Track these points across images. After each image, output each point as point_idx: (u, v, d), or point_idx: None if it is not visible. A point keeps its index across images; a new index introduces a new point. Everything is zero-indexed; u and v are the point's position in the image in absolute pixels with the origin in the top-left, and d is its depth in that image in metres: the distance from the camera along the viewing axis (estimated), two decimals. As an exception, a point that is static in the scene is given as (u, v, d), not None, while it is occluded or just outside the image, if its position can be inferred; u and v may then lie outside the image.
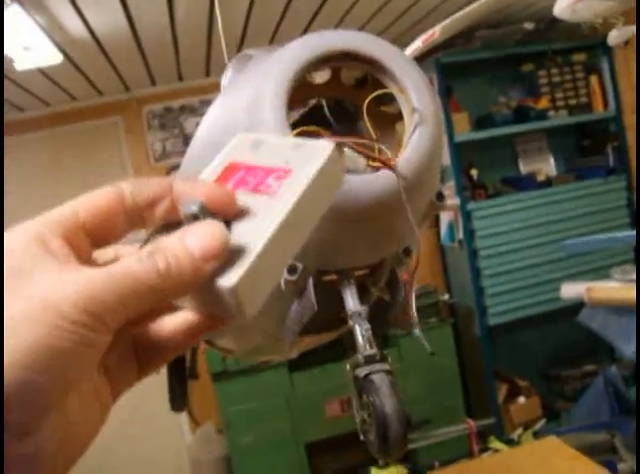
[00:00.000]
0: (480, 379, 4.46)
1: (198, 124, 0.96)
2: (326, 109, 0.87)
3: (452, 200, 4.38)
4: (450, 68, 4.22)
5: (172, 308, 0.45)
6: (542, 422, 4.28)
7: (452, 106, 4.29)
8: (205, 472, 4.46)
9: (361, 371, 0.81)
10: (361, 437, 0.85)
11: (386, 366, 0.81)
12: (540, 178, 4.51)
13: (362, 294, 0.88)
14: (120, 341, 0.42)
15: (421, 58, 3.31)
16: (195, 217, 0.43)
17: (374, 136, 0.81)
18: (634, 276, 3.74)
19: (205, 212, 0.44)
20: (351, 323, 0.84)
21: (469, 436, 3.96)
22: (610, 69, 4.56)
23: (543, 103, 4.48)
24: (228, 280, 0.42)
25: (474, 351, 4.44)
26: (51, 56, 3.12)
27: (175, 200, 0.44)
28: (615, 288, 3.59)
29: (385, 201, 0.72)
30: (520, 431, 4.16)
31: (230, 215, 0.45)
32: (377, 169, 0.75)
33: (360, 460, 4.28)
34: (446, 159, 4.22)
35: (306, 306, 0.84)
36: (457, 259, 4.54)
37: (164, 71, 4.22)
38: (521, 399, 4.42)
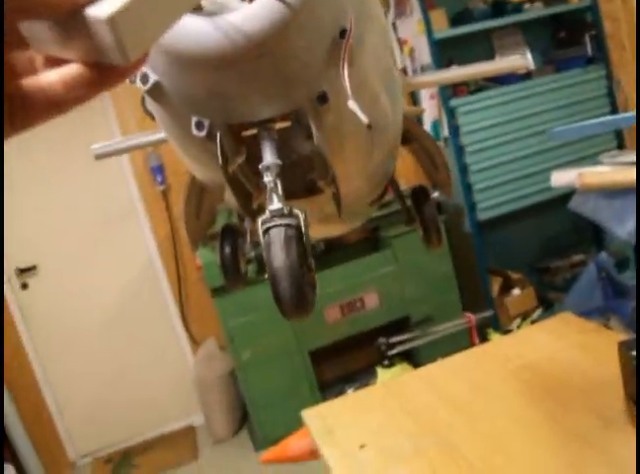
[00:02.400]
0: (473, 275, 4.51)
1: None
2: None
3: (435, 100, 4.38)
4: (423, -35, 4.15)
5: (52, 65, 0.44)
6: (539, 311, 4.35)
7: (428, 3, 4.24)
8: (211, 390, 4.51)
9: (263, 227, 0.80)
10: None
11: (289, 221, 0.80)
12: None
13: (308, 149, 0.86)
14: None
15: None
16: None
17: None
18: (623, 159, 3.77)
19: None
20: (264, 178, 0.82)
21: (469, 331, 4.02)
22: (584, -43, 4.52)
23: (519, -5, 4.45)
24: (107, 9, 0.41)
25: (465, 247, 4.48)
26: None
27: None
28: (607, 172, 3.62)
29: (255, 38, 0.67)
30: (517, 321, 4.24)
31: None
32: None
33: (365, 363, 4.35)
34: (427, 57, 4.19)
35: (221, 163, 0.83)
36: (443, 157, 4.54)
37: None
38: (516, 291, 4.49)
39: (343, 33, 0.74)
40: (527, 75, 4.49)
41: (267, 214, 0.81)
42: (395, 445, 1.76)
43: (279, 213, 0.80)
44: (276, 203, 0.81)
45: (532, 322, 4.20)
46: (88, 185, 4.55)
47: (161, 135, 1.71)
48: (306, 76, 0.76)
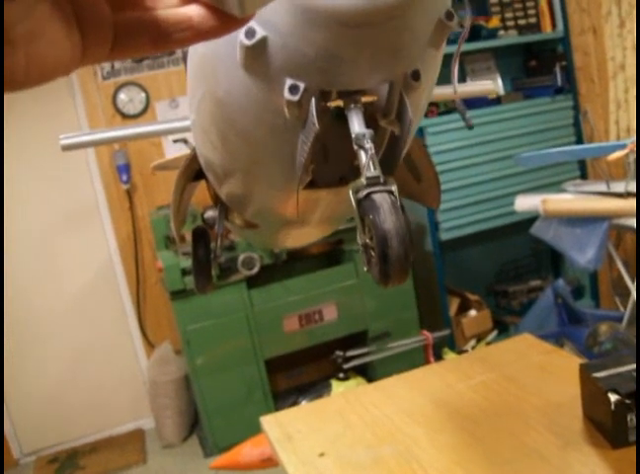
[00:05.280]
0: (432, 294, 4.55)
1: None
2: None
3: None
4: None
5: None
6: (494, 333, 4.40)
7: (405, 23, 4.28)
8: (163, 394, 4.48)
9: (363, 192, 0.81)
10: (365, 269, 0.85)
11: (389, 187, 0.81)
12: (490, 96, 4.56)
13: (373, 129, 0.85)
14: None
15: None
16: None
17: None
18: (587, 188, 3.85)
19: None
20: (355, 146, 0.82)
21: (425, 348, 4.05)
22: (559, -10, 4.61)
23: (494, 22, 4.52)
24: None
25: (426, 266, 4.52)
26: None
27: None
28: (570, 200, 3.69)
29: (387, 3, 0.68)
30: (473, 342, 4.27)
31: None
32: None
33: (319, 376, 4.36)
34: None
35: (309, 129, 0.82)
36: (409, 176, 4.58)
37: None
38: (473, 312, 4.54)
39: (448, 14, 0.75)
40: (497, 100, 4.56)
41: (362, 181, 0.81)
42: (354, 455, 1.77)
43: (377, 180, 0.81)
44: (374, 171, 0.81)
45: (487, 344, 4.24)
46: (52, 179, 4.51)
47: (130, 131, 1.71)
48: (411, 50, 0.77)
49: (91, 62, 0.44)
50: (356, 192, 0.82)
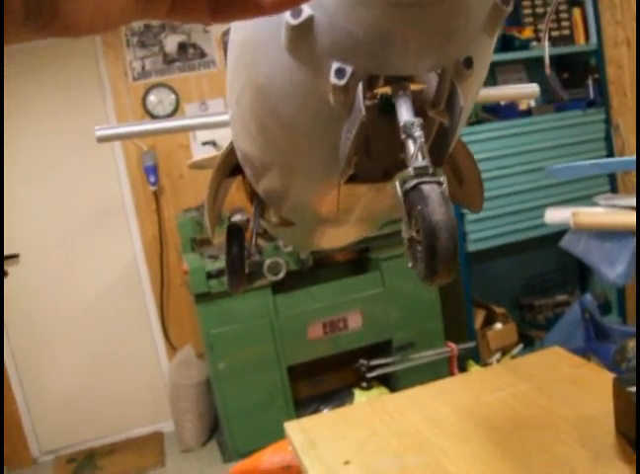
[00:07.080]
0: (458, 305, 4.51)
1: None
2: None
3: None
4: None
5: None
6: (519, 347, 4.35)
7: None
8: (184, 397, 4.46)
9: (410, 183, 0.77)
10: (410, 264, 0.81)
11: (439, 178, 0.77)
12: (522, 107, 4.53)
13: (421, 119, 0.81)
14: None
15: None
16: None
17: None
18: (618, 202, 3.80)
19: None
20: (403, 135, 0.78)
21: (450, 360, 4.02)
22: (593, 3, 4.57)
23: (527, 33, 4.49)
24: None
25: (452, 277, 4.48)
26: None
27: None
28: (601, 213, 3.64)
29: None
30: (498, 355, 4.23)
31: None
32: None
33: (341, 384, 4.33)
34: (432, 85, 4.22)
35: (356, 116, 0.78)
36: (438, 186, 4.56)
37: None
38: (498, 325, 4.49)
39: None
40: (528, 112, 4.52)
41: (410, 172, 0.77)
42: (380, 464, 1.74)
43: (426, 171, 0.77)
44: (423, 161, 0.77)
45: (512, 357, 4.19)
46: (80, 179, 4.52)
47: (163, 125, 1.70)
48: (465, 35, 0.73)
49: (149, 17, 0.43)
50: (402, 183, 0.78)
